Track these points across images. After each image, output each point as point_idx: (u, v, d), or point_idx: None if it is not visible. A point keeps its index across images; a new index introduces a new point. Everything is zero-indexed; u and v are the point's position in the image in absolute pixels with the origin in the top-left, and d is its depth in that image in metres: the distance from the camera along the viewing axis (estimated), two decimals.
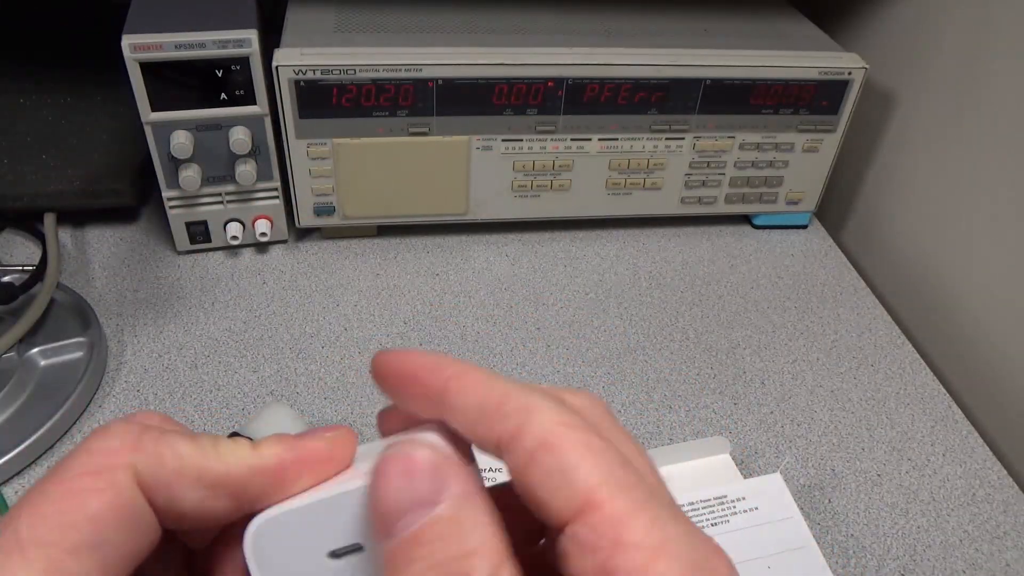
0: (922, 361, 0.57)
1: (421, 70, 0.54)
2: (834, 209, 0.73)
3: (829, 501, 0.47)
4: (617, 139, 0.60)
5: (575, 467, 0.17)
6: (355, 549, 0.19)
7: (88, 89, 0.66)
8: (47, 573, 0.16)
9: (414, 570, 0.17)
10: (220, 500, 0.19)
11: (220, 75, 0.52)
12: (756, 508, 0.44)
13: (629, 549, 0.16)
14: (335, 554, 0.19)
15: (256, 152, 0.56)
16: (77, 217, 0.63)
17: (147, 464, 0.18)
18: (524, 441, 0.17)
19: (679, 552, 0.16)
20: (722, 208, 0.66)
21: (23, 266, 0.56)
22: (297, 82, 0.53)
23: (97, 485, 0.17)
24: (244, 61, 0.51)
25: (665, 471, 0.46)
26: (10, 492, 0.43)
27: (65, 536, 0.17)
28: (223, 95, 0.53)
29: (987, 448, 0.51)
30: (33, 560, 0.16)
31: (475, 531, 0.17)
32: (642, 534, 0.16)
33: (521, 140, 0.59)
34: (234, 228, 0.59)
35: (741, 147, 0.62)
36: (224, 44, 0.50)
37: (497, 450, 0.18)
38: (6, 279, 0.54)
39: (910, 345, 0.58)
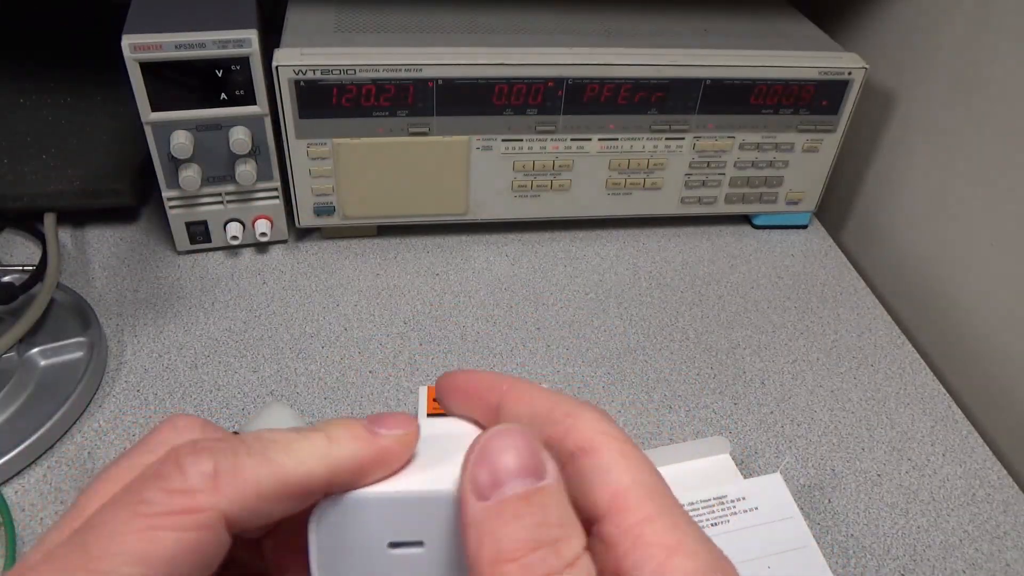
0: (922, 361, 0.57)
1: (421, 70, 0.54)
2: (834, 209, 0.73)
3: (829, 501, 0.47)
4: (617, 139, 0.60)
5: (608, 469, 0.19)
6: (415, 544, 0.20)
7: (88, 89, 0.66)
8: None
9: (514, 527, 0.17)
10: (297, 501, 0.19)
11: (220, 75, 0.52)
12: (756, 508, 0.44)
13: (650, 547, 0.18)
14: (395, 544, 0.20)
15: (256, 152, 0.56)
16: (77, 217, 0.63)
17: (231, 502, 0.18)
18: (567, 443, 0.20)
19: (696, 551, 0.18)
20: (722, 208, 0.66)
21: (23, 266, 0.56)
22: (297, 82, 0.53)
23: (181, 525, 0.17)
24: (244, 61, 0.51)
25: (665, 471, 0.46)
26: (10, 492, 0.43)
27: (142, 571, 0.17)
28: (223, 95, 0.53)
29: (987, 448, 0.51)
30: None
31: (569, 510, 0.18)
32: (662, 534, 0.18)
33: (521, 140, 0.59)
34: (234, 228, 0.59)
35: (741, 147, 0.62)
36: (224, 44, 0.50)
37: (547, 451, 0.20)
38: (6, 279, 0.54)
39: (910, 345, 0.58)
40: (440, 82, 0.55)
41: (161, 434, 0.20)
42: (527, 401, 0.21)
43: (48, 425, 0.45)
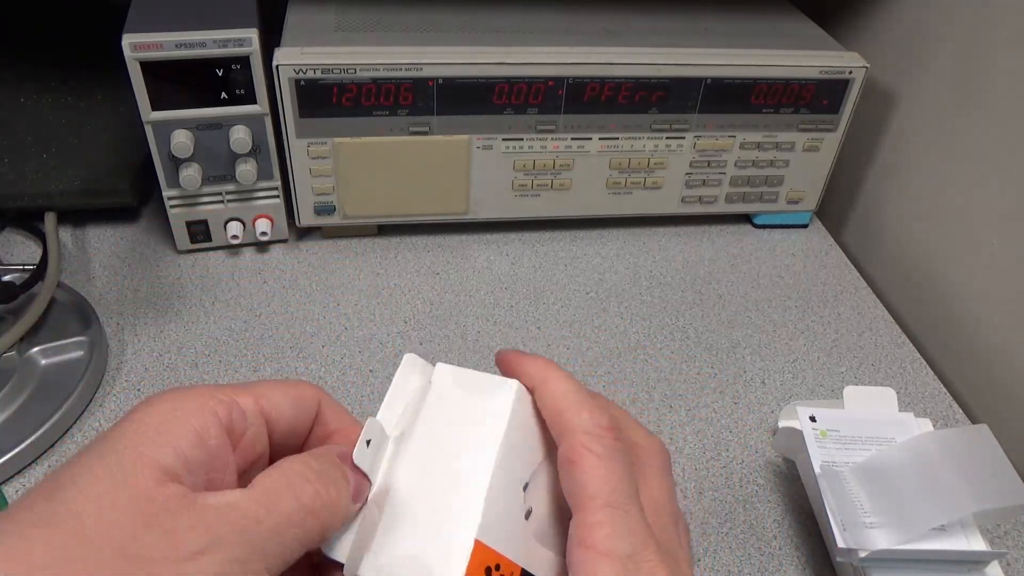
0: (922, 361, 0.57)
1: (421, 69, 0.54)
2: (835, 208, 0.73)
3: None
4: (617, 138, 0.60)
5: (579, 478, 0.26)
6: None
7: (88, 89, 0.66)
8: None
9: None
10: None
11: (220, 74, 0.52)
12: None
13: (587, 548, 0.25)
14: None
15: (256, 151, 0.56)
16: (77, 216, 0.63)
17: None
18: (561, 450, 0.27)
19: (617, 557, 0.24)
20: (723, 207, 0.66)
21: (23, 265, 0.56)
22: (297, 81, 0.53)
23: None
24: (244, 60, 0.51)
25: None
26: (11, 491, 0.43)
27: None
28: (223, 94, 0.53)
29: None
30: None
31: None
32: (600, 539, 0.25)
33: (521, 139, 0.59)
34: (234, 227, 0.59)
35: (742, 146, 0.62)
36: (224, 43, 0.50)
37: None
38: (7, 278, 0.54)
39: (910, 345, 0.58)
40: (440, 81, 0.55)
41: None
42: (551, 398, 0.28)
43: (48, 424, 0.45)
